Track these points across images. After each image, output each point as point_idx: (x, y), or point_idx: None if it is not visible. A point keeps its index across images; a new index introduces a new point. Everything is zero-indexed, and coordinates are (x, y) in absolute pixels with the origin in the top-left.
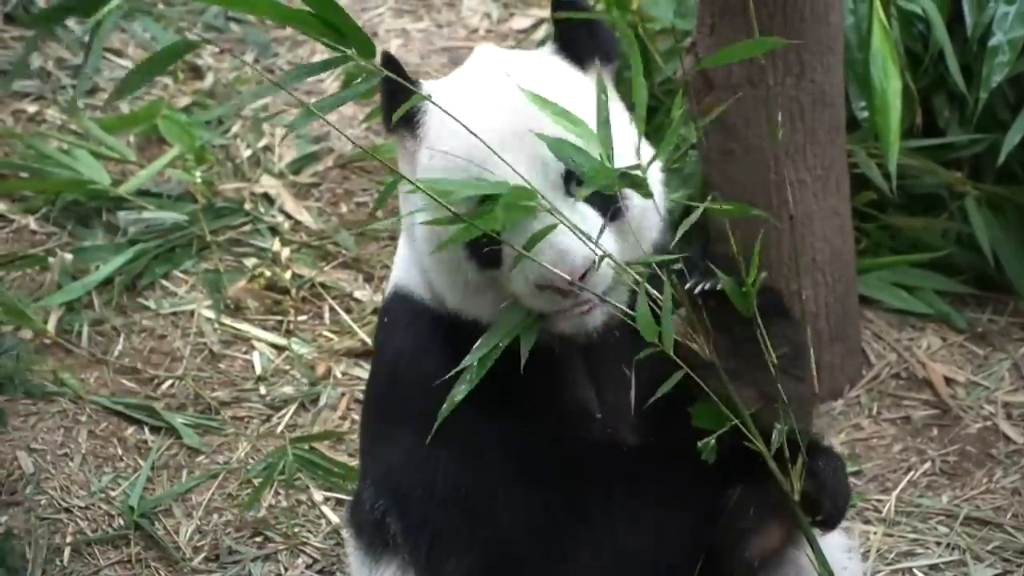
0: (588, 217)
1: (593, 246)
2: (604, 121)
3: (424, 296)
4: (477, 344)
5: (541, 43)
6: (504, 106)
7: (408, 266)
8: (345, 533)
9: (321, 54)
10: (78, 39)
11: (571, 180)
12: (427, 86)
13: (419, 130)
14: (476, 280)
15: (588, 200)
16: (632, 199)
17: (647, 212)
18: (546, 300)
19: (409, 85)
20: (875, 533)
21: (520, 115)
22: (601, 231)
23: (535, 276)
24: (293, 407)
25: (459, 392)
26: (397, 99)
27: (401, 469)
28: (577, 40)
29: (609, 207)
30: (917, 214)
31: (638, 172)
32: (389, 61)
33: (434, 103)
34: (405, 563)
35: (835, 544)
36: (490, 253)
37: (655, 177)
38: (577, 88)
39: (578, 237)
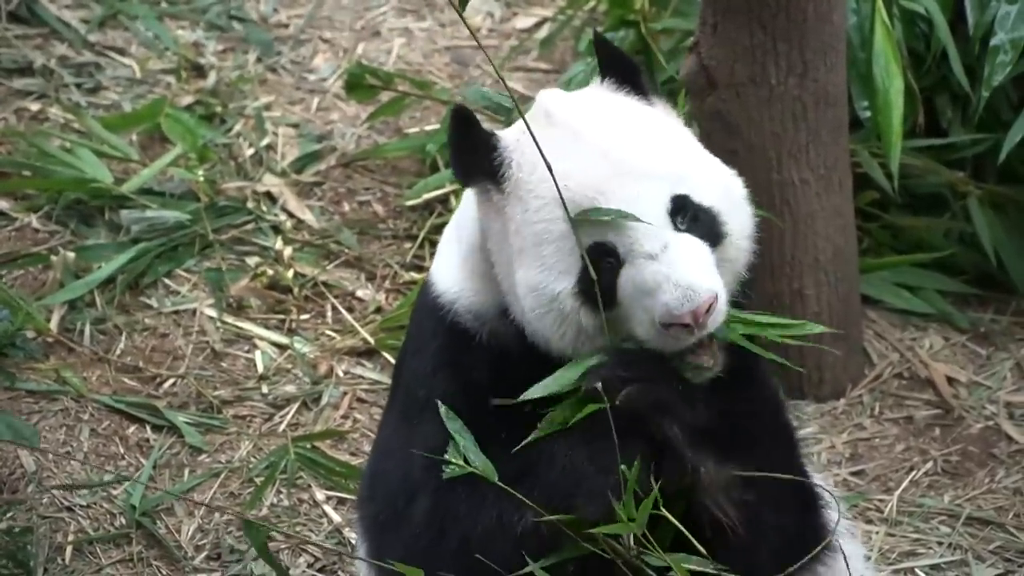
0: (699, 248)
1: (713, 280)
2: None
3: (468, 312)
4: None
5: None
6: (598, 151)
7: (466, 281)
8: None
9: (323, 53)
10: (81, 38)
11: (677, 213)
12: (503, 136)
13: (505, 184)
14: (591, 325)
15: (693, 229)
16: (730, 222)
17: (745, 232)
18: (671, 339)
19: (488, 133)
20: (877, 533)
21: (616, 158)
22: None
23: (661, 314)
24: (295, 406)
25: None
26: (474, 150)
27: (380, 455)
28: (627, 73)
29: (715, 234)
30: (920, 214)
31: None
32: (463, 114)
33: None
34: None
35: (853, 553)
36: (605, 296)
37: (743, 195)
38: (653, 118)
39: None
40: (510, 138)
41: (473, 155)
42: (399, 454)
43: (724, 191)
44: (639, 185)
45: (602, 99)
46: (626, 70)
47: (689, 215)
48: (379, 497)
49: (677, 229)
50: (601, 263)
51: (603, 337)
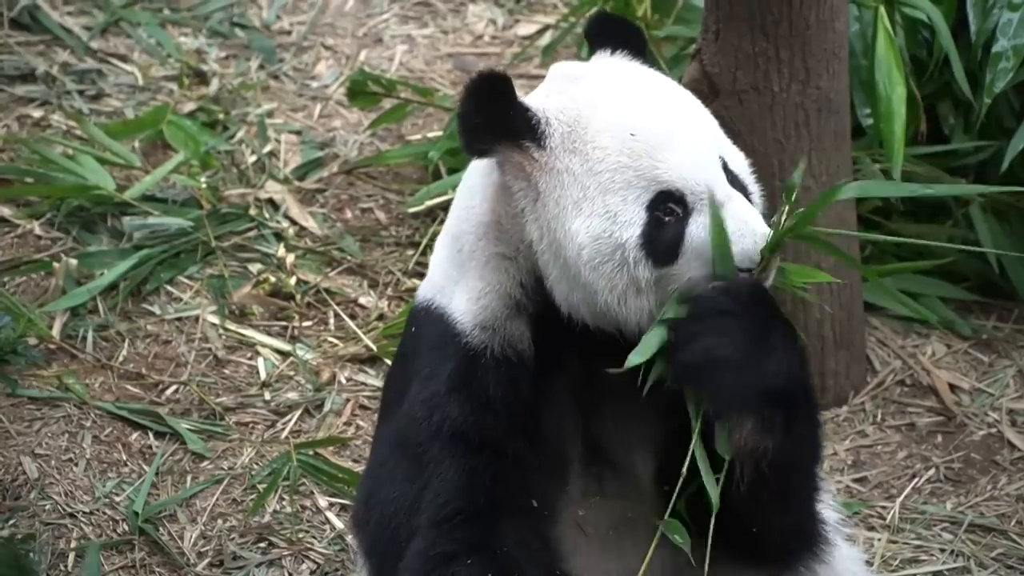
0: (746, 203)
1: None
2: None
3: (476, 325)
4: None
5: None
6: (662, 104)
7: (471, 288)
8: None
9: (326, 60)
10: (84, 44)
11: (726, 170)
12: (533, 101)
13: (547, 140)
14: (647, 279)
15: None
16: (754, 194)
17: (761, 206)
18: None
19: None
20: (879, 540)
21: (669, 113)
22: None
23: (739, 258)
24: (297, 413)
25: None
26: (507, 112)
27: (375, 475)
28: (639, 46)
29: (747, 195)
30: (922, 221)
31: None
32: (499, 77)
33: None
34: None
35: (847, 556)
36: (669, 248)
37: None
38: (676, 86)
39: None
40: (534, 100)
41: (505, 117)
42: (401, 483)
43: (746, 165)
44: (700, 138)
45: (623, 65)
46: (638, 43)
47: (729, 178)
48: (375, 524)
49: (729, 184)
50: (665, 213)
51: (655, 292)
